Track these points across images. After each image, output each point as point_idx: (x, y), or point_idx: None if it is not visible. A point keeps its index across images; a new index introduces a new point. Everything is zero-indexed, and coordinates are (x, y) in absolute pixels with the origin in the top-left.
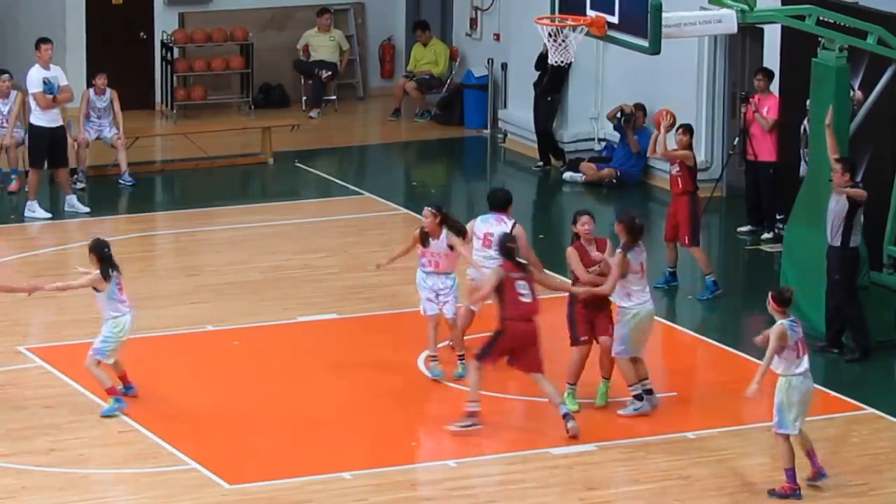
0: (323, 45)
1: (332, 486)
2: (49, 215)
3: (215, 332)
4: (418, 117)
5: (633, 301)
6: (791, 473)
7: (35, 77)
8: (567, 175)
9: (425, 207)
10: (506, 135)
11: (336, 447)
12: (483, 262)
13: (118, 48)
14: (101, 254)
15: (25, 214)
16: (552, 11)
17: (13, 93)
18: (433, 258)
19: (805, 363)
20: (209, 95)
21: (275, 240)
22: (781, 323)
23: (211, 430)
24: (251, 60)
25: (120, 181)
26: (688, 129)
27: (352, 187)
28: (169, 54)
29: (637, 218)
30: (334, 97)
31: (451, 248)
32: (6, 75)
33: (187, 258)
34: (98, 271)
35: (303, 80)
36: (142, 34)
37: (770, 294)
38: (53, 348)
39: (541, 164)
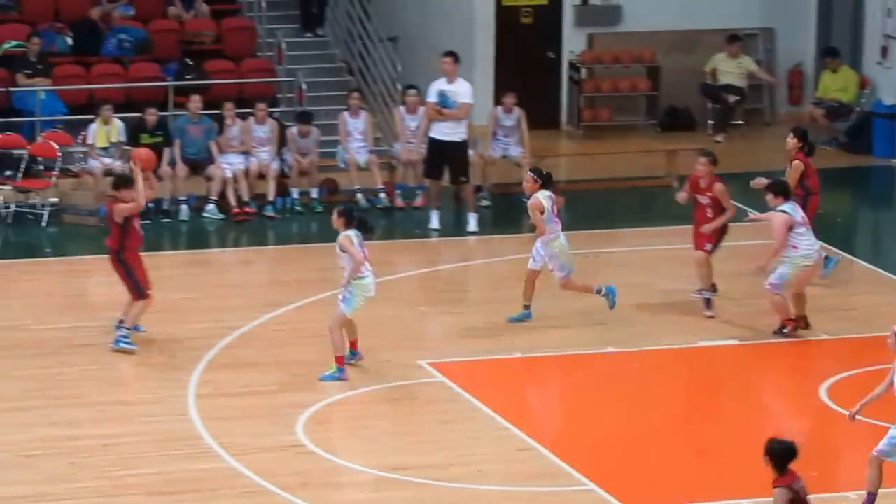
0: (731, 70)
1: None
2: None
3: (616, 353)
4: (826, 144)
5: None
6: None
7: (431, 88)
8: None
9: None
10: None
11: (734, 473)
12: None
13: (525, 67)
14: None
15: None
16: None
17: (421, 109)
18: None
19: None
20: (615, 116)
21: (676, 264)
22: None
23: (610, 452)
24: (658, 82)
25: (523, 200)
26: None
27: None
28: (576, 74)
29: None
30: (741, 122)
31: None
32: (413, 90)
33: (589, 279)
34: None
35: (709, 104)
36: (550, 54)
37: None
38: (453, 364)
39: None
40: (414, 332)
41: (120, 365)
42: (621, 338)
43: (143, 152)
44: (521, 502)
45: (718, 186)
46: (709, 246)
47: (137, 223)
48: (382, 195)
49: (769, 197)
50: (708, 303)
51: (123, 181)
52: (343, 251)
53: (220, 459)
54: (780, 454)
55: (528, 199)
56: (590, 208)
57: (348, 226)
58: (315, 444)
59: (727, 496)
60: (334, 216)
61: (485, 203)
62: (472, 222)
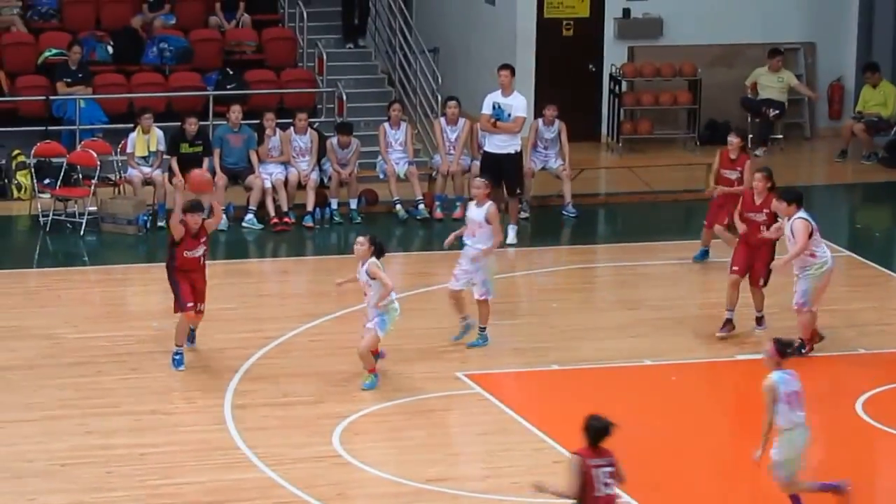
0: (771, 84)
1: None
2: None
3: (653, 366)
4: (865, 159)
5: None
6: None
7: (486, 100)
8: None
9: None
10: None
11: (771, 489)
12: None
13: (567, 79)
14: None
15: None
16: None
17: (461, 120)
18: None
19: None
20: (655, 130)
21: (715, 276)
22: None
23: (645, 465)
24: (699, 96)
25: (563, 212)
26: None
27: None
28: (617, 87)
29: None
30: (781, 136)
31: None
32: (453, 101)
33: (627, 291)
34: None
35: (749, 118)
36: (591, 66)
37: None
38: (490, 375)
39: None
40: (451, 343)
41: (157, 374)
42: (658, 350)
43: (192, 176)
44: None
45: (776, 203)
46: (762, 281)
47: (191, 249)
48: (422, 206)
49: (783, 206)
50: (728, 323)
51: (191, 207)
52: (373, 278)
53: (257, 470)
54: (594, 430)
55: (479, 206)
56: (629, 221)
57: (373, 255)
58: (351, 455)
59: None
60: (365, 245)
61: (524, 215)
62: (511, 234)
